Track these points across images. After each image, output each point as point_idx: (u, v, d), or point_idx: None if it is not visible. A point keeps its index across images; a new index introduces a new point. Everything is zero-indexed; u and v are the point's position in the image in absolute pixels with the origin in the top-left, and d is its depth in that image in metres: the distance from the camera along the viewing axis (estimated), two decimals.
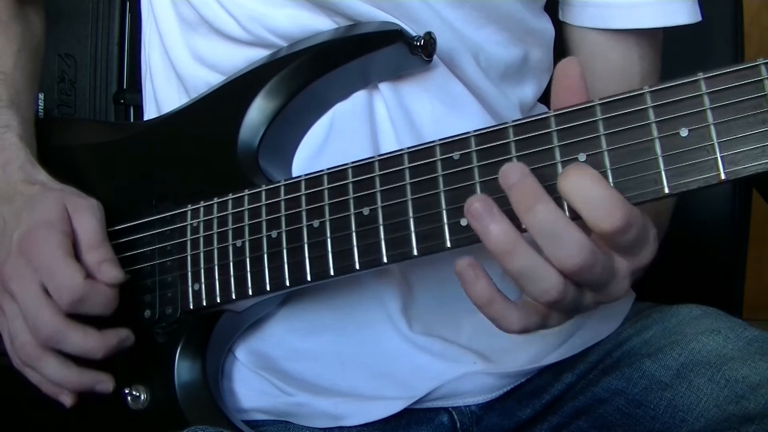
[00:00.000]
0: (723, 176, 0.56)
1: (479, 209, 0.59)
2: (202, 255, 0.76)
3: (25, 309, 0.76)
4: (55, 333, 0.75)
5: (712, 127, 0.56)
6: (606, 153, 0.59)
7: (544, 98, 0.91)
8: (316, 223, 0.70)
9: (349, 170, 0.69)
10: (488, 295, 0.60)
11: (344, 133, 0.79)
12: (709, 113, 0.56)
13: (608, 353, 0.87)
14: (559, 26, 0.91)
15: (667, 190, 0.57)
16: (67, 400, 0.79)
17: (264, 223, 0.73)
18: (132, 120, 1.44)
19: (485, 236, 0.59)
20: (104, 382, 0.79)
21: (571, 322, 0.86)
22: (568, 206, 0.59)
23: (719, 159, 0.56)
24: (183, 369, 0.78)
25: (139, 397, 0.78)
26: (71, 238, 0.77)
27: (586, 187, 0.57)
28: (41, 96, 1.41)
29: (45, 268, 0.75)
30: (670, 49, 0.92)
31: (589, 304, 0.62)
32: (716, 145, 0.56)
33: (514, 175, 0.59)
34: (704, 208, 1.19)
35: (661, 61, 0.92)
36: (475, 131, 0.64)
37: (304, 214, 0.71)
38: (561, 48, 0.91)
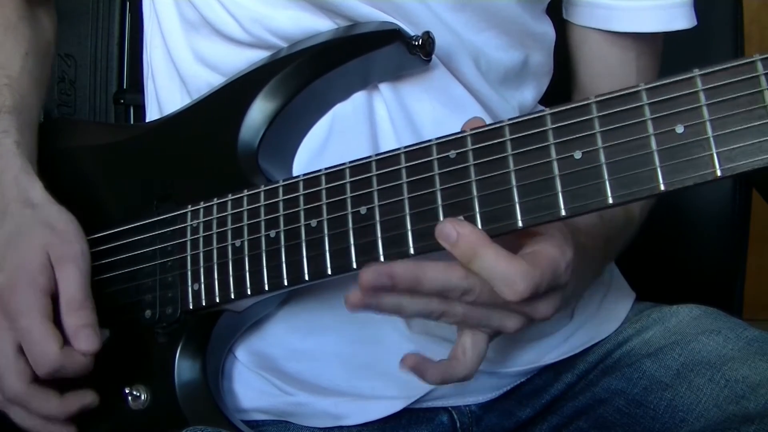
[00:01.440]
0: (719, 173, 0.56)
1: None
2: (201, 255, 0.77)
3: None
4: (17, 397, 0.76)
5: (707, 124, 0.56)
6: (602, 150, 0.59)
7: (544, 101, 0.92)
8: (313, 222, 0.70)
9: (347, 170, 0.70)
10: None
11: (344, 134, 0.80)
12: (704, 109, 0.56)
13: (608, 353, 0.87)
14: (560, 27, 0.91)
15: (663, 187, 0.57)
16: None
17: (262, 223, 0.73)
18: (132, 120, 1.44)
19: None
20: None
21: (571, 322, 0.87)
22: None
23: (715, 155, 0.56)
24: (183, 369, 0.78)
25: (140, 396, 0.78)
26: (50, 296, 0.77)
27: (491, 265, 0.62)
28: None
29: (24, 332, 0.75)
30: (669, 49, 0.92)
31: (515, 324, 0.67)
32: (712, 141, 0.56)
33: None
34: (704, 208, 1.19)
35: (661, 63, 0.92)
36: (471, 130, 0.64)
37: (302, 213, 0.71)
38: (561, 51, 0.92)
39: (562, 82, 0.93)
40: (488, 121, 0.82)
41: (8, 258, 0.78)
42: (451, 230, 0.62)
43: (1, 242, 0.79)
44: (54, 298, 0.77)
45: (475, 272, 0.62)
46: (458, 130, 0.67)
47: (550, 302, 0.66)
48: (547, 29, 0.89)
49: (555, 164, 0.60)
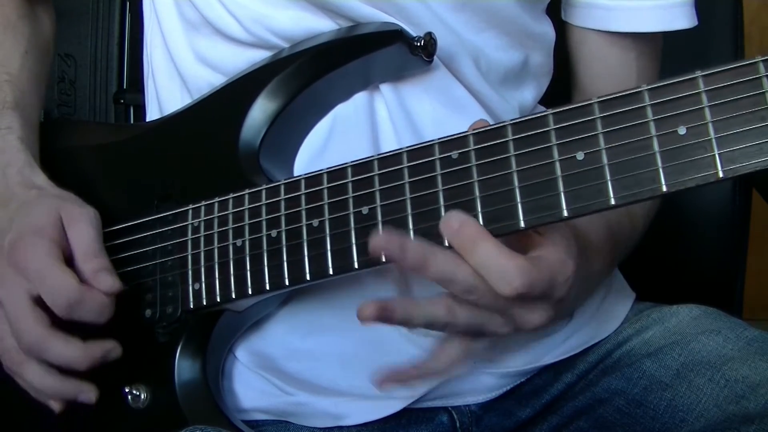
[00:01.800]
0: (721, 174, 0.56)
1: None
2: (202, 254, 0.77)
3: (9, 315, 0.75)
4: (36, 341, 0.74)
5: (710, 125, 0.56)
6: (604, 151, 0.59)
7: (544, 101, 0.92)
8: (315, 222, 0.70)
9: (349, 169, 0.70)
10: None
11: (345, 135, 0.80)
12: (707, 111, 0.56)
13: (608, 353, 0.87)
14: (561, 28, 0.91)
15: (665, 188, 0.57)
16: (56, 405, 0.78)
17: (264, 222, 0.73)
18: (132, 120, 1.44)
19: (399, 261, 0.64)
20: (86, 392, 0.77)
21: (571, 322, 0.87)
22: None
23: (717, 156, 0.56)
24: (183, 368, 0.78)
25: (140, 396, 0.78)
26: (61, 247, 0.75)
27: (489, 258, 0.62)
28: None
29: (36, 274, 0.74)
30: (669, 49, 0.92)
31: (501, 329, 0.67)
32: (714, 142, 0.56)
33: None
34: (704, 209, 1.19)
35: (660, 64, 0.92)
36: (473, 130, 0.65)
37: (303, 213, 0.71)
38: (561, 51, 0.92)
39: (562, 83, 0.93)
40: (490, 121, 0.82)
41: (15, 222, 0.77)
42: (455, 221, 0.63)
43: (7, 217, 0.78)
44: (68, 258, 0.75)
45: (473, 265, 0.62)
46: (459, 130, 0.67)
47: (539, 311, 0.66)
48: (546, 29, 0.89)
49: (557, 165, 0.60)
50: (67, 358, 0.75)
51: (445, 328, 0.66)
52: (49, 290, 0.73)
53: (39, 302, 0.74)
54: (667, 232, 0.93)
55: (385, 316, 0.63)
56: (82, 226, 0.76)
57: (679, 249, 1.19)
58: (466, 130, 0.66)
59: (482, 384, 0.83)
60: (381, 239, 0.63)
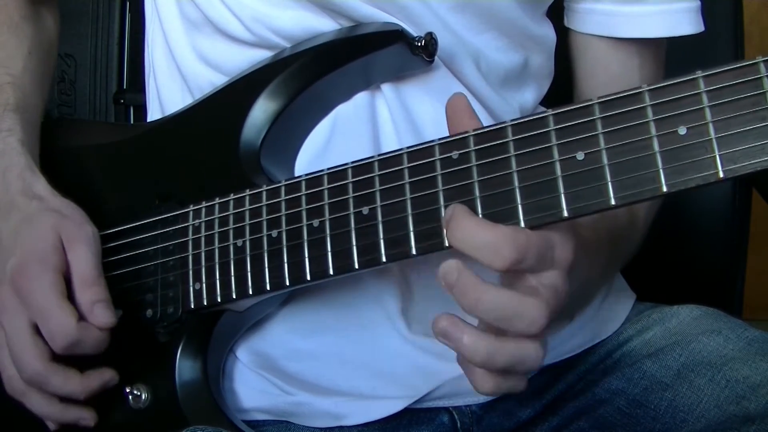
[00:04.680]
0: (721, 174, 0.56)
1: (446, 329, 0.61)
2: (203, 254, 0.77)
3: (11, 346, 0.76)
4: (36, 375, 0.76)
5: (710, 125, 0.56)
6: (604, 151, 0.59)
7: (545, 103, 0.92)
8: (315, 222, 0.70)
9: (349, 170, 0.70)
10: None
11: (346, 135, 0.80)
12: (707, 111, 0.56)
13: (609, 354, 0.87)
14: (562, 33, 0.91)
15: (665, 189, 0.57)
16: (53, 426, 0.80)
17: (264, 223, 0.73)
18: (132, 120, 1.44)
19: (459, 349, 0.61)
20: (87, 419, 0.79)
21: (571, 323, 0.87)
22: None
23: (718, 157, 0.56)
24: (184, 368, 0.78)
25: (140, 396, 0.78)
26: (64, 275, 0.76)
27: (470, 235, 0.60)
28: None
29: (38, 310, 0.75)
30: (669, 49, 0.92)
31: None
32: (714, 142, 0.56)
33: (452, 274, 0.61)
34: (704, 208, 1.19)
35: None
36: (473, 130, 0.65)
37: (304, 213, 0.71)
38: (563, 54, 0.91)
39: (563, 85, 0.93)
40: (489, 121, 0.82)
41: (18, 243, 0.77)
42: (449, 211, 0.62)
43: (9, 231, 0.79)
44: (67, 280, 0.76)
45: (458, 249, 0.61)
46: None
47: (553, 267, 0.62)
48: (547, 32, 0.88)
49: (557, 165, 0.60)
50: (66, 391, 0.77)
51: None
52: (50, 328, 0.74)
53: (40, 332, 0.75)
54: (667, 232, 0.93)
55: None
56: (82, 250, 0.77)
57: (679, 249, 1.19)
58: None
59: None
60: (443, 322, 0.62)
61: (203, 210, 0.78)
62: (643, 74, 0.89)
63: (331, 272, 0.69)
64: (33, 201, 0.80)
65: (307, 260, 0.70)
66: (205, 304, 0.76)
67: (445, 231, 0.62)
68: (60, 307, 0.74)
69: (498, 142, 0.63)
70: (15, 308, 0.75)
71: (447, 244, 0.64)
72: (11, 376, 0.77)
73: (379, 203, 0.67)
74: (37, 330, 0.75)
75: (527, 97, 0.88)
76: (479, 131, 0.64)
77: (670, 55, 0.92)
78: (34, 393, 0.77)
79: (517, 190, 0.62)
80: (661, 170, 0.57)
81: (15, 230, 0.78)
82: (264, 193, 0.74)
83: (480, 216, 0.63)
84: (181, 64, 0.86)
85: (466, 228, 0.61)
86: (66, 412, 0.78)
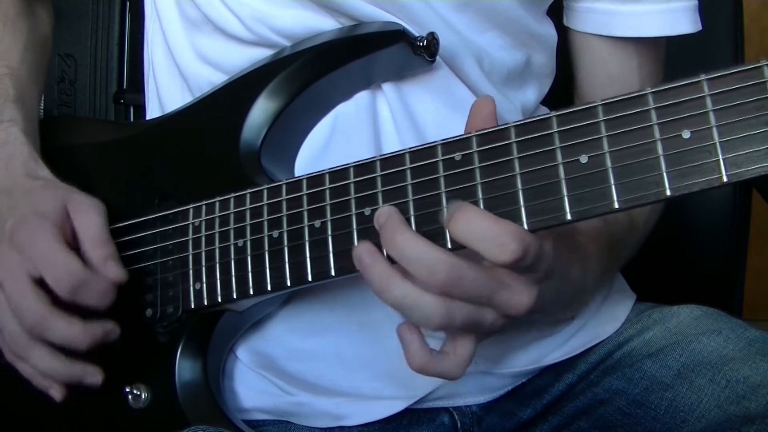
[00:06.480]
0: (725, 178, 0.55)
1: (360, 255, 0.63)
2: (203, 254, 0.76)
3: (10, 296, 0.74)
4: (38, 320, 0.73)
5: (714, 129, 0.56)
6: (608, 154, 0.59)
7: (546, 101, 0.91)
8: (317, 223, 0.70)
9: (351, 170, 0.69)
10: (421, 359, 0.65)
11: (347, 134, 0.80)
12: (711, 115, 0.56)
13: (609, 354, 0.87)
14: (562, 32, 0.91)
15: (668, 192, 0.57)
16: (57, 394, 0.78)
17: (265, 223, 0.73)
18: (132, 120, 1.43)
19: (366, 278, 0.63)
20: (93, 375, 0.77)
21: (572, 323, 0.87)
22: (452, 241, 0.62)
23: (721, 161, 0.55)
24: (184, 368, 0.78)
25: (140, 396, 0.78)
26: (65, 233, 0.75)
27: (476, 227, 0.60)
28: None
29: (40, 254, 0.73)
30: (670, 49, 0.92)
31: (494, 320, 0.64)
32: (718, 146, 0.56)
33: (383, 215, 0.64)
34: (704, 209, 1.19)
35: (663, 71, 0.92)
36: (476, 132, 0.64)
37: (305, 213, 0.71)
38: (564, 52, 0.91)
39: (564, 83, 0.93)
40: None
41: (19, 208, 0.77)
42: (452, 208, 0.62)
43: (12, 204, 0.78)
44: (72, 246, 0.75)
45: (461, 240, 0.61)
46: (461, 130, 0.66)
47: (527, 291, 0.63)
48: (549, 30, 0.88)
49: (561, 168, 0.60)
50: (69, 337, 0.74)
51: (444, 328, 0.65)
52: (54, 271, 0.73)
53: (40, 283, 0.74)
54: (667, 232, 0.93)
55: None
56: (91, 214, 0.77)
57: (679, 249, 1.19)
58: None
59: (483, 384, 0.83)
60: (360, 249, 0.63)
61: (203, 208, 0.77)
62: (642, 74, 0.89)
63: (333, 273, 0.69)
64: (37, 180, 0.80)
65: (308, 261, 0.70)
66: (206, 304, 0.76)
67: (447, 226, 0.62)
68: (65, 251, 0.73)
69: (501, 143, 0.63)
70: (12, 261, 0.74)
71: (450, 246, 0.63)
72: (12, 332, 0.75)
73: (381, 204, 0.67)
74: (37, 282, 0.74)
75: (529, 96, 0.88)
76: (482, 132, 0.64)
77: (669, 55, 0.92)
78: (39, 346, 0.75)
79: (520, 193, 0.62)
80: (664, 174, 0.57)
81: (16, 203, 0.78)
82: (265, 192, 0.74)
83: None
84: (181, 63, 0.86)
85: (474, 219, 0.60)
86: (71, 367, 0.76)
